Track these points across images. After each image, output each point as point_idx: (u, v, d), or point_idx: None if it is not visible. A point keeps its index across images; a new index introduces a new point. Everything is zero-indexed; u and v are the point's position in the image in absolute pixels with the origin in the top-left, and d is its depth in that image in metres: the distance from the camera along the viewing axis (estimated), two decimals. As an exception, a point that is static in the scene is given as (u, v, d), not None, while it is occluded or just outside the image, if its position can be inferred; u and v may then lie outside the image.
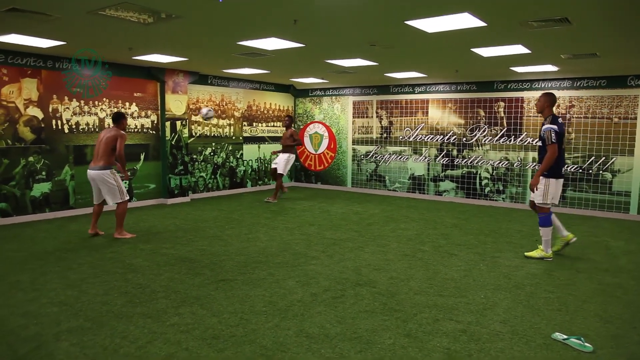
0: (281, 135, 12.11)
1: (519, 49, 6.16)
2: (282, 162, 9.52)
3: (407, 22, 4.80)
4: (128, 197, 6.36)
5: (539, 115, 5.64)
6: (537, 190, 5.40)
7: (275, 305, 4.00)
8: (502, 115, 9.41)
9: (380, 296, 4.25)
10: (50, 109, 7.57)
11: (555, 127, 5.24)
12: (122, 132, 6.24)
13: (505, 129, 9.40)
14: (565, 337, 3.40)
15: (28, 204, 7.42)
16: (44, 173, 7.58)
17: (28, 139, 7.35)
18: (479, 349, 3.27)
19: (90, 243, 6.04)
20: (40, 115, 7.46)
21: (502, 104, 9.42)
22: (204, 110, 7.85)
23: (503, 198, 9.52)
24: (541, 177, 5.37)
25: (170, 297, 4.18)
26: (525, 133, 9.18)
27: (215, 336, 3.41)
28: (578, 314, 3.92)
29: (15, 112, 7.20)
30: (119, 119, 6.33)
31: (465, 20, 4.64)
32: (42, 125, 7.51)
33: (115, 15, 4.72)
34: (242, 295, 4.25)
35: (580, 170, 8.68)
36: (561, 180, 5.40)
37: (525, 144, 9.21)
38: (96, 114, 8.17)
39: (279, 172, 9.52)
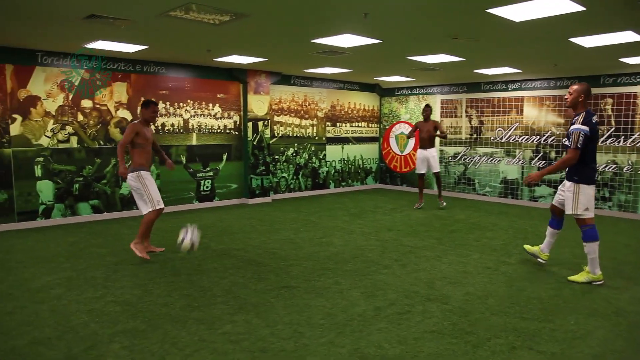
0: (366, 135, 11.83)
1: (628, 36, 5.35)
2: (436, 161, 8.80)
3: (489, 11, 4.31)
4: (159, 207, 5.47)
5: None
6: (567, 199, 4.69)
7: (333, 318, 3.73)
8: (610, 113, 8.38)
9: (452, 314, 3.83)
10: (138, 111, 7.89)
11: (586, 128, 4.41)
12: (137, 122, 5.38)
13: (614, 128, 8.36)
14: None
15: (117, 201, 7.81)
16: (132, 172, 7.92)
17: (118, 139, 7.72)
18: (561, 388, 2.78)
19: (166, 242, 6.13)
20: (129, 117, 7.81)
21: (609, 100, 8.38)
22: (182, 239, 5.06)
23: (609, 206, 8.46)
24: (571, 183, 4.62)
25: (229, 303, 4.07)
26: (638, 133, 8.09)
27: (264, 349, 3.21)
28: (695, 352, 3.24)
29: (107, 114, 7.60)
30: (144, 105, 5.42)
31: (557, 5, 4.05)
32: (131, 127, 7.85)
33: (183, 16, 4.72)
34: (301, 304, 4.03)
35: None
36: (593, 187, 4.66)
37: (637, 145, 8.12)
38: (181, 115, 8.42)
39: (436, 171, 8.79)
